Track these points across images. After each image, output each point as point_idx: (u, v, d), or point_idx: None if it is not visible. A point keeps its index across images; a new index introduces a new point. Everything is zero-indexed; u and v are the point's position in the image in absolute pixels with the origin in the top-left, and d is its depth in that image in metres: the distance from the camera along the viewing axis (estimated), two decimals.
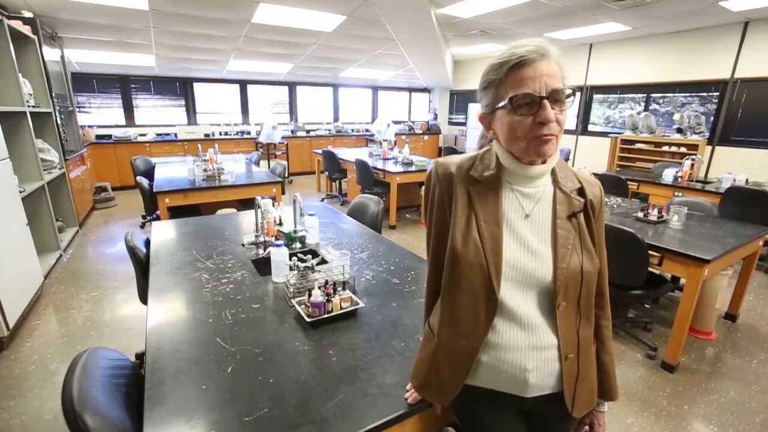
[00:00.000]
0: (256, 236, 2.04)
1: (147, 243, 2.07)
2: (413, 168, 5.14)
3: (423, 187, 0.98)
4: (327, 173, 6.28)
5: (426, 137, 10.10)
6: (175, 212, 3.43)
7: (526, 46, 0.74)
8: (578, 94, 0.91)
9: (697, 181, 4.50)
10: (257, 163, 5.61)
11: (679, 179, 4.47)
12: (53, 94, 4.19)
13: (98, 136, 6.95)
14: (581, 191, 0.87)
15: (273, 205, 2.10)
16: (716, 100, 5.50)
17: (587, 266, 0.84)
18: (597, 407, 0.99)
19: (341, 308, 1.39)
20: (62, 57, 5.10)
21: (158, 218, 3.44)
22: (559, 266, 0.82)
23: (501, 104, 0.78)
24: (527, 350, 0.84)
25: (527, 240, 0.84)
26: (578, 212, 0.86)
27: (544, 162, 0.83)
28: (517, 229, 0.84)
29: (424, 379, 0.97)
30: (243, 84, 8.39)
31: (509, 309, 0.83)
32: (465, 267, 0.84)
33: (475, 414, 0.95)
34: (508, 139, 0.81)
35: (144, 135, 7.34)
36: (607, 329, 0.96)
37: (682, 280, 2.51)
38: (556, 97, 0.75)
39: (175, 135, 7.51)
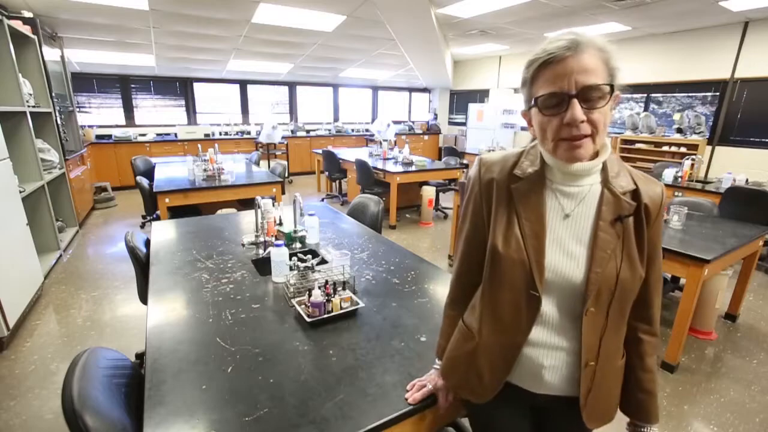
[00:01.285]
0: (256, 236, 2.04)
1: (147, 243, 2.07)
2: (413, 168, 5.14)
3: (463, 179, 0.94)
4: (327, 173, 6.28)
5: (426, 137, 10.10)
6: (175, 212, 3.43)
7: (558, 41, 0.71)
8: (620, 88, 0.76)
9: (697, 181, 4.50)
10: (257, 163, 5.61)
11: (679, 179, 4.47)
12: (53, 94, 4.18)
13: (98, 136, 6.95)
14: (635, 193, 0.80)
15: (273, 205, 2.10)
16: (716, 101, 5.50)
17: (625, 274, 0.79)
18: (640, 429, 0.92)
19: (341, 308, 1.39)
20: (62, 57, 5.10)
21: (158, 218, 3.44)
22: (594, 270, 0.78)
23: (532, 103, 0.77)
24: (547, 348, 0.84)
25: (564, 241, 0.81)
26: (626, 216, 0.79)
27: (588, 159, 0.78)
28: (555, 229, 0.82)
29: (461, 379, 0.94)
30: (243, 84, 8.39)
31: (546, 302, 0.83)
32: (507, 265, 0.83)
33: (486, 405, 0.94)
34: (540, 139, 0.80)
35: (144, 135, 7.34)
36: (650, 345, 0.89)
37: (682, 280, 2.51)
38: (588, 95, 0.70)
39: (175, 135, 7.50)
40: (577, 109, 0.70)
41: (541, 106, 0.74)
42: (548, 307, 0.82)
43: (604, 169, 0.81)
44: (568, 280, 0.80)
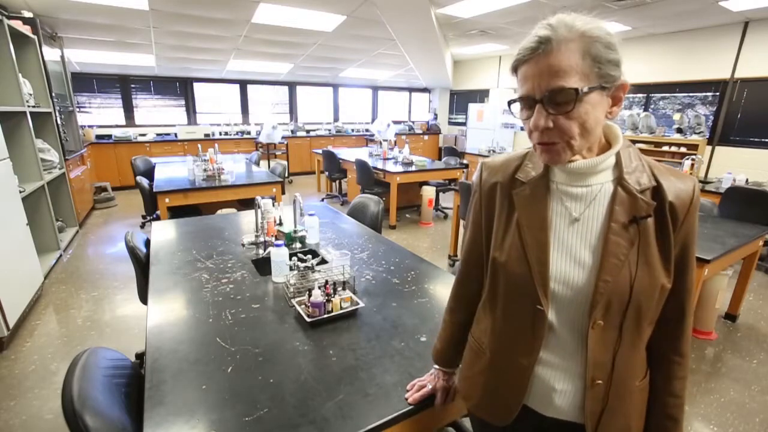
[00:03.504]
0: (256, 236, 2.03)
1: (147, 243, 2.07)
2: (413, 168, 5.14)
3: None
4: (327, 173, 6.28)
5: (426, 137, 10.09)
6: (175, 212, 3.43)
7: (530, 38, 0.64)
8: (589, 92, 0.62)
9: (698, 181, 4.49)
10: (257, 163, 5.61)
11: None
12: (53, 94, 4.18)
13: (98, 136, 6.94)
14: (657, 191, 0.70)
15: (273, 205, 2.10)
16: (716, 100, 5.50)
17: (641, 283, 0.69)
18: None
19: (341, 308, 1.39)
20: (62, 57, 5.10)
21: (158, 218, 3.44)
22: (603, 278, 0.69)
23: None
24: (558, 370, 0.77)
25: (572, 248, 0.73)
26: (644, 217, 0.69)
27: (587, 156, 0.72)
28: (562, 236, 0.74)
29: (479, 399, 0.88)
30: (243, 84, 8.39)
31: (549, 322, 0.76)
32: (509, 278, 0.78)
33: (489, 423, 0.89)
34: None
35: (144, 135, 7.34)
36: (679, 367, 0.78)
37: None
38: (554, 100, 0.63)
39: (175, 135, 7.50)
40: (538, 116, 0.65)
41: (517, 110, 0.70)
42: (558, 323, 0.75)
43: (618, 165, 0.72)
44: (577, 291, 0.72)
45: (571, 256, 0.73)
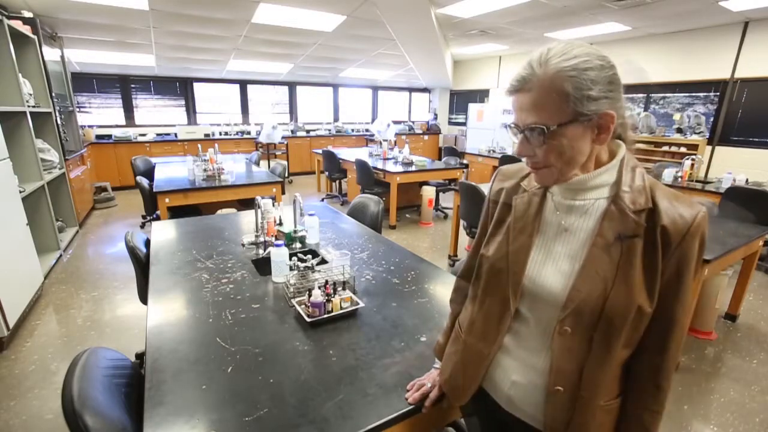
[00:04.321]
0: (256, 236, 2.03)
1: (147, 243, 2.07)
2: (413, 168, 5.14)
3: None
4: (327, 173, 6.28)
5: (426, 137, 10.10)
6: (175, 212, 3.43)
7: (516, 74, 0.70)
8: (558, 129, 0.67)
9: (697, 181, 4.49)
10: (257, 163, 5.61)
11: (679, 179, 4.46)
12: (53, 94, 4.18)
13: (98, 136, 6.95)
14: (652, 213, 0.70)
15: (273, 205, 2.10)
16: (716, 100, 5.50)
17: (615, 300, 0.69)
18: None
19: (341, 308, 1.39)
20: (62, 57, 5.10)
21: (158, 218, 3.44)
22: (576, 287, 0.72)
23: None
24: (519, 362, 0.81)
25: (557, 255, 0.77)
26: (630, 236, 0.70)
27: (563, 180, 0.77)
28: (549, 243, 0.79)
29: (449, 375, 0.96)
30: (243, 84, 8.39)
31: (519, 317, 0.82)
32: (490, 273, 0.85)
33: (467, 407, 0.97)
34: None
35: (144, 135, 7.34)
36: (654, 400, 0.76)
37: None
38: (532, 133, 0.70)
39: (175, 135, 7.51)
40: (520, 146, 0.73)
41: (512, 132, 0.76)
42: (530, 321, 0.80)
43: (618, 183, 0.73)
44: (550, 294, 0.76)
45: (553, 261, 0.77)
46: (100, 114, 7.23)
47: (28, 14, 3.95)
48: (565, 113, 0.67)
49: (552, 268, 0.77)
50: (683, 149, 5.62)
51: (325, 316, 1.35)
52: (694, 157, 4.60)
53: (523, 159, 0.76)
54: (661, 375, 0.75)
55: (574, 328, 0.73)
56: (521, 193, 0.85)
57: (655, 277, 0.70)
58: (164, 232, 2.27)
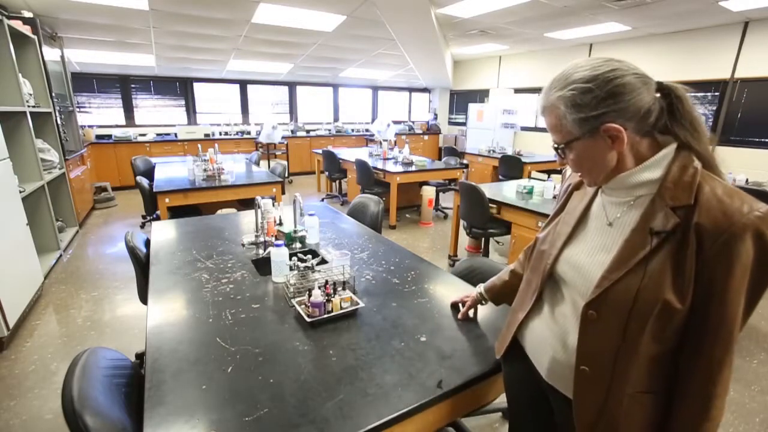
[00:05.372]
0: (256, 236, 2.03)
1: (147, 243, 2.07)
2: (413, 168, 5.14)
3: None
4: (327, 173, 6.28)
5: (426, 137, 10.10)
6: (175, 212, 3.43)
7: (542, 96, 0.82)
8: (567, 146, 0.80)
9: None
10: (257, 163, 5.61)
11: None
12: (53, 94, 4.18)
13: (98, 136, 6.94)
14: (690, 210, 0.70)
15: (273, 205, 2.10)
16: (716, 100, 5.50)
17: (640, 293, 0.72)
18: None
19: (341, 308, 1.39)
20: (62, 57, 5.10)
21: (158, 218, 3.44)
22: (605, 275, 0.77)
23: None
24: (556, 340, 0.90)
25: (597, 247, 0.83)
26: (661, 231, 0.71)
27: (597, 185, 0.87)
28: (594, 234, 0.86)
29: (500, 334, 1.14)
30: (243, 84, 8.39)
31: (557, 297, 0.92)
32: (537, 250, 1.00)
33: (512, 369, 1.09)
34: None
35: (144, 135, 7.34)
36: (686, 408, 0.74)
37: None
38: (557, 149, 0.83)
39: (175, 135, 7.50)
40: (558, 156, 0.84)
41: None
42: (565, 303, 0.89)
43: (664, 179, 0.75)
44: (584, 280, 0.83)
45: (592, 252, 0.84)
46: (100, 114, 7.23)
47: (28, 14, 3.95)
48: (569, 133, 0.78)
49: (589, 257, 0.84)
50: None
51: (325, 316, 1.35)
52: None
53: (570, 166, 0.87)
54: (709, 379, 0.72)
55: (599, 313, 0.78)
56: (582, 188, 0.95)
57: (684, 274, 0.69)
58: (164, 232, 2.27)
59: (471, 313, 1.38)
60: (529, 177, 5.45)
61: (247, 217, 2.63)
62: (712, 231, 0.67)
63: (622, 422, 0.79)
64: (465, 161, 6.93)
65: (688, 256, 0.69)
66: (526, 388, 1.05)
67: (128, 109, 7.43)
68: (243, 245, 2.05)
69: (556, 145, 0.82)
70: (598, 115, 0.74)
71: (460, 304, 1.42)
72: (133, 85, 7.38)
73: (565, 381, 0.87)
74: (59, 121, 4.34)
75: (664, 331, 0.73)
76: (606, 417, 0.80)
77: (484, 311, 1.44)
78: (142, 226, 4.98)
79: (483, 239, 3.84)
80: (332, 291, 1.40)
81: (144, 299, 1.89)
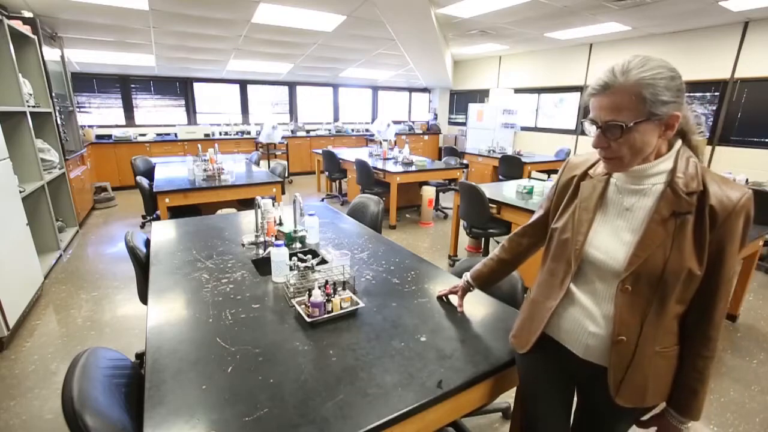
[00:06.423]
0: (256, 236, 2.04)
1: (147, 243, 2.07)
2: (413, 168, 5.14)
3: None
4: (327, 173, 6.28)
5: (426, 137, 10.10)
6: (175, 212, 3.43)
7: (600, 78, 0.85)
8: (634, 126, 0.83)
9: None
10: (257, 163, 5.61)
11: None
12: (53, 94, 4.18)
13: (98, 136, 6.94)
14: (702, 194, 0.85)
15: (273, 205, 2.10)
16: (716, 100, 5.50)
17: (669, 265, 0.85)
18: (673, 419, 0.97)
19: (341, 308, 1.39)
20: (62, 57, 5.10)
21: (158, 218, 3.44)
22: (635, 254, 0.88)
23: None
24: (591, 317, 0.97)
25: (619, 230, 0.94)
26: (683, 213, 0.86)
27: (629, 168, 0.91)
28: (613, 220, 0.95)
29: (517, 331, 1.16)
30: (243, 84, 8.39)
31: (587, 279, 0.98)
32: (557, 241, 1.04)
33: (536, 361, 1.12)
34: None
35: (144, 135, 7.34)
36: (704, 347, 0.93)
37: None
38: (609, 129, 0.84)
39: (175, 135, 7.50)
40: (597, 138, 0.88)
41: (588, 125, 0.89)
42: (594, 283, 0.97)
43: (674, 170, 0.88)
44: (614, 260, 0.92)
45: (615, 234, 0.94)
46: (100, 114, 7.23)
47: (28, 14, 3.95)
48: (641, 113, 0.81)
49: (613, 239, 0.94)
50: None
51: (325, 316, 1.35)
52: None
53: (599, 150, 0.90)
54: (711, 326, 0.91)
55: (634, 286, 0.90)
56: (588, 179, 1.02)
57: (703, 246, 0.85)
58: (164, 232, 2.27)
59: (453, 299, 1.48)
60: (529, 177, 5.46)
61: (247, 217, 2.63)
62: (721, 211, 0.84)
63: (650, 377, 0.94)
64: (465, 161, 6.93)
65: (704, 231, 0.85)
66: (552, 372, 1.11)
67: (128, 109, 7.43)
68: (243, 245, 2.05)
69: (618, 124, 0.83)
70: (669, 102, 0.81)
71: (450, 296, 1.51)
72: (133, 85, 7.38)
73: (600, 352, 0.96)
74: (59, 121, 4.34)
75: (686, 293, 0.89)
76: (638, 377, 0.93)
77: (484, 311, 1.44)
78: (142, 226, 4.98)
79: (483, 239, 3.84)
80: (332, 291, 1.40)
81: (144, 299, 1.89)
